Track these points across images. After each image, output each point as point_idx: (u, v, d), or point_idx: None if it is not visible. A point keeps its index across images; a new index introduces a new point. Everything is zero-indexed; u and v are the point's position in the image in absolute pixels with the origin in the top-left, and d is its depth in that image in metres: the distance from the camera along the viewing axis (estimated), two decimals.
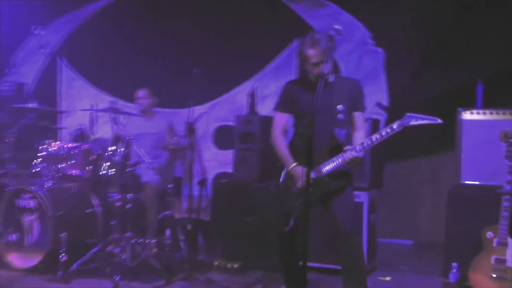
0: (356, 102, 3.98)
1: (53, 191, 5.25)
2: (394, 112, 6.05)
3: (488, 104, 5.02)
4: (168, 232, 5.41)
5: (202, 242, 6.06)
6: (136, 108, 6.11)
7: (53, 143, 5.43)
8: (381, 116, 6.13)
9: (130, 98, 6.38)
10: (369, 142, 3.71)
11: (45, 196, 5.14)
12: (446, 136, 5.44)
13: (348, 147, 3.77)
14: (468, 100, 5.17)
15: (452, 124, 4.85)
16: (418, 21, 5.99)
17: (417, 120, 3.57)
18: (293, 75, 6.42)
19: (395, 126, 3.64)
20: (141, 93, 6.08)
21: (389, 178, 6.09)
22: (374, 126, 5.12)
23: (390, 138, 5.99)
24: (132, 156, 5.59)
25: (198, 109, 6.39)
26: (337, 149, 3.83)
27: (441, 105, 5.79)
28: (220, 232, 5.51)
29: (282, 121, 4.07)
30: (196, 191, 5.80)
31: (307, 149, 3.22)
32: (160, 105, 6.29)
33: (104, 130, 6.32)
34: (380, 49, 6.24)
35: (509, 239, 4.27)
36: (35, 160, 5.39)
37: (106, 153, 5.30)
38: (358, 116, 4.00)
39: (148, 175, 5.78)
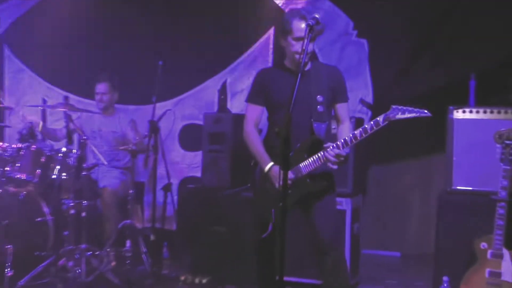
0: (337, 92, 3.96)
1: None
2: (379, 110, 6.00)
3: (481, 102, 5.05)
4: (128, 243, 5.34)
5: (167, 254, 6.04)
6: (96, 104, 6.04)
7: None
8: (365, 114, 6.17)
9: (86, 94, 6.31)
10: (352, 138, 3.68)
11: None
12: (436, 137, 5.44)
13: (329, 144, 3.75)
14: (460, 97, 5.18)
15: (442, 123, 4.87)
16: (405, 10, 6.02)
17: (404, 114, 3.57)
18: (269, 65, 6.38)
19: (380, 119, 3.62)
20: (101, 87, 6.02)
21: (374, 183, 6.13)
22: (357, 125, 5.08)
23: (375, 139, 6.01)
24: (88, 158, 5.54)
25: (163, 106, 6.36)
26: (317, 146, 3.81)
27: (431, 103, 5.66)
28: (187, 243, 5.49)
29: (255, 114, 4.03)
30: (160, 197, 5.77)
31: (284, 150, 3.19)
32: (121, 101, 6.23)
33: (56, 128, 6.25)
34: (364, 41, 6.26)
35: (504, 251, 4.29)
36: None
37: (58, 155, 5.23)
38: (341, 108, 3.99)
39: (106, 180, 5.73)
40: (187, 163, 6.72)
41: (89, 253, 5.05)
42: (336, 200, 4.08)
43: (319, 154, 3.76)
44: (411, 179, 6.30)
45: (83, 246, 5.02)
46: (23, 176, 5.24)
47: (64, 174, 5.24)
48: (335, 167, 3.75)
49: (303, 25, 3.77)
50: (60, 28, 7.03)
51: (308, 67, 3.96)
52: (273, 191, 3.87)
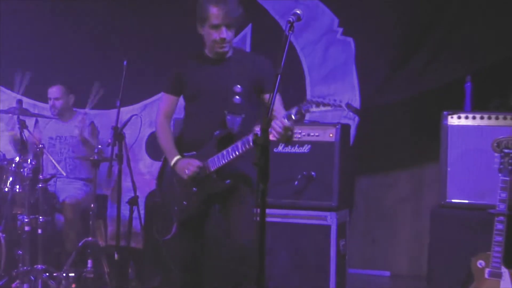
0: (265, 82, 3.97)
1: None
2: (367, 115, 6.09)
3: (478, 106, 5.08)
4: (90, 263, 5.31)
5: (132, 275, 5.98)
6: (49, 110, 6.01)
7: None
8: (352, 120, 6.14)
9: (42, 97, 6.27)
10: (296, 112, 3.52)
11: None
12: (429, 145, 5.48)
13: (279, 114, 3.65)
14: (455, 101, 5.22)
15: (436, 130, 4.89)
16: (395, 6, 6.02)
17: (318, 107, 3.50)
18: None
19: (293, 111, 3.54)
20: (53, 91, 5.99)
21: (361, 196, 6.14)
22: (343, 132, 5.14)
23: (363, 147, 6.05)
24: (44, 169, 5.50)
25: (129, 110, 6.33)
26: (228, 140, 3.86)
27: (423, 108, 5.88)
28: (156, 263, 5.45)
29: (168, 104, 4.13)
30: (125, 212, 5.72)
31: (261, 160, 3.18)
32: (80, 105, 6.19)
33: (7, 135, 6.19)
34: (350, 39, 6.24)
35: (503, 269, 4.32)
36: None
37: (12, 165, 5.20)
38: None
39: (66, 192, 5.69)
40: (156, 174, 6.67)
41: (46, 274, 5.01)
42: (254, 203, 4.11)
43: (229, 149, 3.79)
44: (401, 192, 6.31)
45: (39, 266, 4.99)
46: None
47: (17, 186, 5.22)
48: (279, 140, 3.62)
49: (219, 12, 3.84)
50: (11, 24, 6.96)
51: (229, 55, 4.02)
52: (180, 187, 3.95)
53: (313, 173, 5.03)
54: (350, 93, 6.22)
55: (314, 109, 3.49)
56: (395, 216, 6.30)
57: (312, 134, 5.03)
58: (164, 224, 4.03)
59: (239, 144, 3.76)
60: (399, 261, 6.29)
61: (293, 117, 3.55)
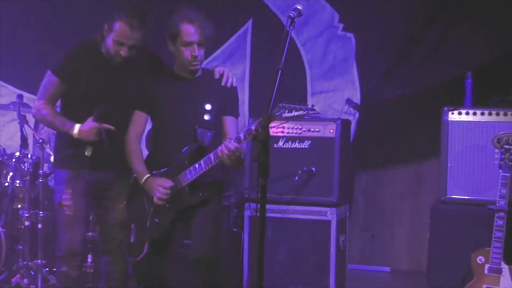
0: (227, 104, 4.07)
1: None
2: (367, 111, 6.11)
3: (479, 102, 5.08)
4: (90, 258, 5.30)
5: (132, 271, 5.98)
6: None
7: None
8: (353, 115, 6.17)
9: None
10: (245, 133, 3.66)
11: None
12: (429, 141, 5.47)
13: (230, 137, 3.80)
14: (456, 97, 5.21)
15: (436, 126, 4.89)
16: (396, 1, 6.03)
17: (291, 112, 3.50)
18: (246, 62, 6.45)
19: (264, 118, 3.48)
20: None
21: (361, 191, 6.14)
22: (344, 128, 5.12)
23: (362, 143, 6.05)
24: (45, 163, 5.51)
25: None
26: (200, 153, 3.90)
27: (424, 103, 5.90)
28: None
29: (140, 122, 4.13)
30: None
31: (263, 159, 3.20)
32: None
33: (8, 130, 6.24)
34: (351, 35, 6.25)
35: (503, 265, 4.32)
36: None
37: (12, 160, 5.23)
38: (229, 122, 4.09)
39: None
40: None
41: (45, 269, 5.02)
42: (222, 207, 4.24)
43: (202, 161, 3.82)
44: (401, 187, 6.33)
45: (39, 261, 5.00)
46: None
47: (17, 181, 5.24)
48: (229, 163, 3.74)
49: (191, 29, 3.89)
50: (10, 18, 6.94)
51: (198, 73, 4.08)
52: (148, 205, 3.99)
53: (313, 168, 5.00)
54: (351, 89, 6.24)
55: (286, 114, 3.48)
56: (395, 211, 6.32)
57: (313, 129, 5.00)
58: (135, 244, 4.04)
59: (211, 156, 3.79)
60: (399, 257, 6.30)
61: (242, 139, 3.64)
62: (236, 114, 4.14)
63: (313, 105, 3.47)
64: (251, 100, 6.31)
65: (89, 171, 4.12)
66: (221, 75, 4.12)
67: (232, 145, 3.67)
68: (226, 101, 4.08)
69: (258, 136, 3.23)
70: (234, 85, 4.14)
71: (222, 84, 4.08)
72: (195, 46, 3.92)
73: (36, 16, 6.92)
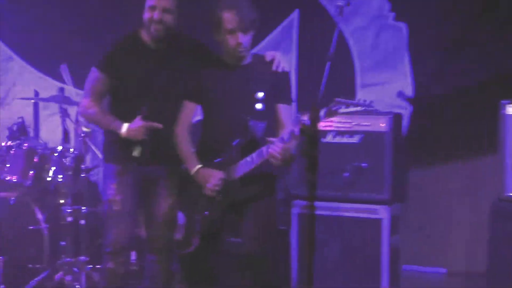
0: (280, 91, 4.02)
1: None
2: (420, 104, 6.06)
3: None
4: (134, 255, 5.31)
5: (177, 267, 5.97)
6: None
7: None
8: (405, 109, 6.10)
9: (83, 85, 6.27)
10: (297, 130, 3.62)
11: None
12: (487, 136, 5.48)
13: (272, 139, 3.78)
14: None
15: (493, 120, 4.84)
16: None
17: (347, 107, 3.52)
18: (293, 52, 6.43)
19: (322, 113, 3.54)
20: None
21: (415, 189, 6.04)
22: (396, 122, 5.06)
23: (416, 139, 5.99)
24: (88, 158, 5.55)
25: None
26: (252, 146, 3.87)
27: (480, 97, 5.85)
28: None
29: (189, 112, 4.12)
30: None
31: (312, 153, 3.12)
32: None
33: (50, 124, 6.22)
34: (403, 25, 6.18)
35: None
36: None
37: (54, 154, 5.26)
38: (283, 110, 4.03)
39: None
40: None
41: (89, 266, 5.07)
42: (275, 206, 4.17)
43: (253, 155, 3.80)
44: (458, 185, 6.21)
45: (82, 258, 5.05)
46: (14, 178, 5.27)
47: (60, 176, 5.27)
48: (278, 164, 3.76)
49: (232, 16, 3.88)
50: (54, 11, 6.99)
51: (247, 60, 4.04)
52: (201, 196, 3.96)
53: (363, 164, 4.97)
54: (403, 81, 6.19)
55: (343, 109, 3.50)
56: (451, 210, 6.22)
57: (363, 123, 4.97)
58: (183, 236, 4.03)
59: (263, 149, 3.77)
60: (456, 258, 6.20)
61: (295, 134, 3.62)
62: (289, 101, 4.10)
63: (371, 101, 3.46)
64: (298, 94, 6.26)
65: (137, 165, 4.14)
66: (272, 60, 4.09)
67: (278, 146, 3.69)
68: (279, 87, 4.02)
69: (306, 130, 3.18)
70: (286, 69, 4.10)
71: (273, 68, 4.05)
72: (239, 33, 3.89)
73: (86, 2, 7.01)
